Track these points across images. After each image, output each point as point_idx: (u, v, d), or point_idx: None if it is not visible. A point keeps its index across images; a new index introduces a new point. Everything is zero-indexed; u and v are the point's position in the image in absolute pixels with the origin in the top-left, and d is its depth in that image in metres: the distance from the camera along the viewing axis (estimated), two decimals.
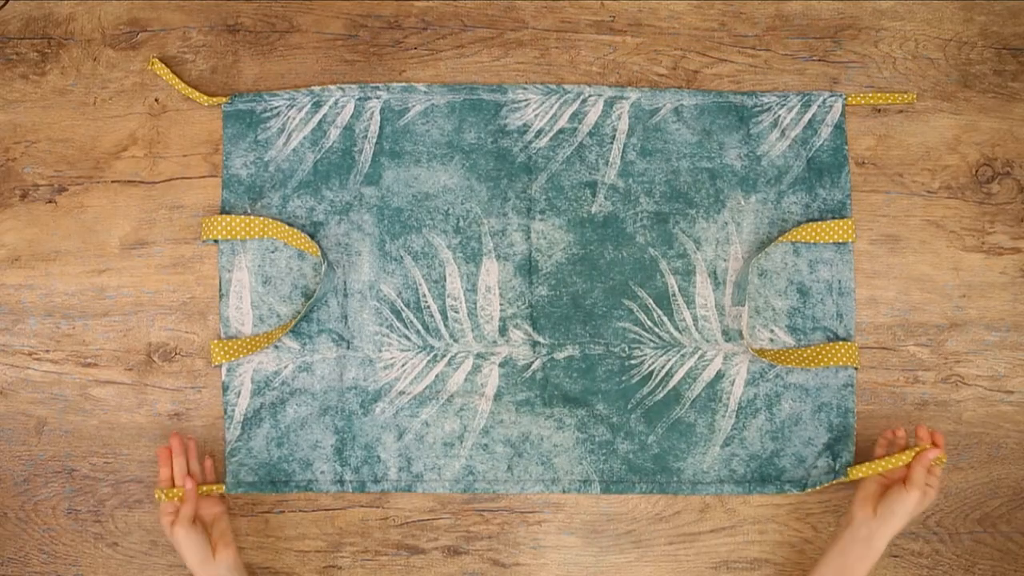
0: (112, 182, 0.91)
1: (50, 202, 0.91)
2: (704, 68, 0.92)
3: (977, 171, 0.91)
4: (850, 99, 0.90)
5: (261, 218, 0.88)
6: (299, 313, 0.88)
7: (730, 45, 0.92)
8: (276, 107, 0.90)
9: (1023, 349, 0.91)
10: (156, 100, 0.92)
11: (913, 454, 0.82)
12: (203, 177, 0.91)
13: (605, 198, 0.90)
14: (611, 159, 0.91)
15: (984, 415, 0.90)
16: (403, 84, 0.91)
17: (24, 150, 0.92)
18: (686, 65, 0.92)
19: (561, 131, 0.91)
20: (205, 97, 0.90)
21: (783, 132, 0.90)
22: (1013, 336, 0.90)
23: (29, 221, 0.91)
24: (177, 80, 0.90)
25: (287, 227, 0.88)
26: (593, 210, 0.90)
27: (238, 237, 0.88)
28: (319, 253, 0.87)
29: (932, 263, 0.91)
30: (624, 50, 0.92)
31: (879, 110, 0.92)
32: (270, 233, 0.88)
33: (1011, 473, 0.90)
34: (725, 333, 0.90)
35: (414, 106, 0.91)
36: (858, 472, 0.85)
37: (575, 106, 0.91)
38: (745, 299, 0.87)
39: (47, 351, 0.91)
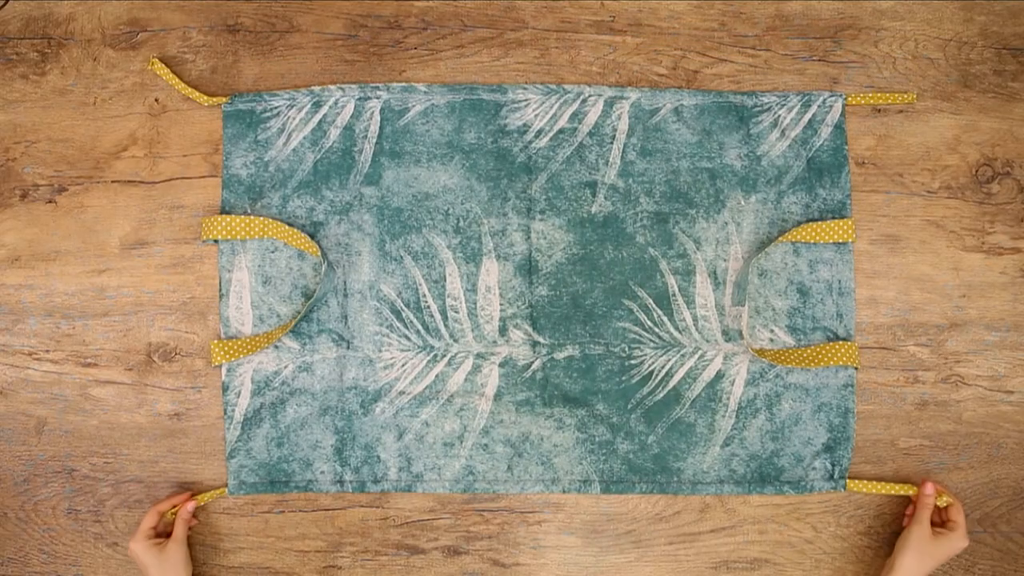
0: (112, 182, 0.91)
1: (50, 202, 0.91)
2: (704, 68, 0.92)
3: (977, 171, 0.91)
4: (850, 99, 0.90)
5: (261, 218, 0.88)
6: (299, 313, 0.88)
7: (730, 45, 0.92)
8: (276, 107, 0.90)
9: (1023, 349, 0.91)
10: (156, 100, 0.92)
11: (912, 488, 0.87)
12: (203, 177, 0.91)
13: (605, 198, 0.90)
14: (611, 159, 0.90)
15: (984, 415, 0.90)
16: (403, 84, 0.91)
17: (24, 150, 0.92)
18: (686, 65, 0.92)
19: (561, 131, 0.91)
20: (205, 97, 0.90)
21: (783, 132, 0.90)
22: (1013, 336, 0.90)
23: (29, 221, 0.91)
24: (177, 80, 0.90)
25: (287, 227, 0.88)
26: (593, 210, 0.90)
27: (238, 237, 0.88)
28: (319, 253, 0.87)
29: (932, 263, 0.91)
30: (624, 50, 0.92)
31: (879, 110, 0.92)
32: (270, 233, 0.88)
33: (1011, 473, 0.90)
34: (725, 333, 0.90)
35: (414, 106, 0.91)
36: (855, 486, 0.88)
37: (575, 106, 0.91)
38: (745, 299, 0.87)
39: (47, 351, 0.91)
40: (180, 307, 0.91)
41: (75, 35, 0.92)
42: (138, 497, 0.90)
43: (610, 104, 0.91)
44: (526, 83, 0.91)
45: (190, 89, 0.90)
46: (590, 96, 0.91)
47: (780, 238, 0.88)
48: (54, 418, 0.91)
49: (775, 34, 0.92)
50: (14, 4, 0.92)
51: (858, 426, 0.90)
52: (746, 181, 0.90)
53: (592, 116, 0.91)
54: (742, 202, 0.90)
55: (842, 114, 0.90)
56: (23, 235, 0.91)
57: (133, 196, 0.91)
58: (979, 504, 0.91)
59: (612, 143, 0.91)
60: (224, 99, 0.90)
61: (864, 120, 0.92)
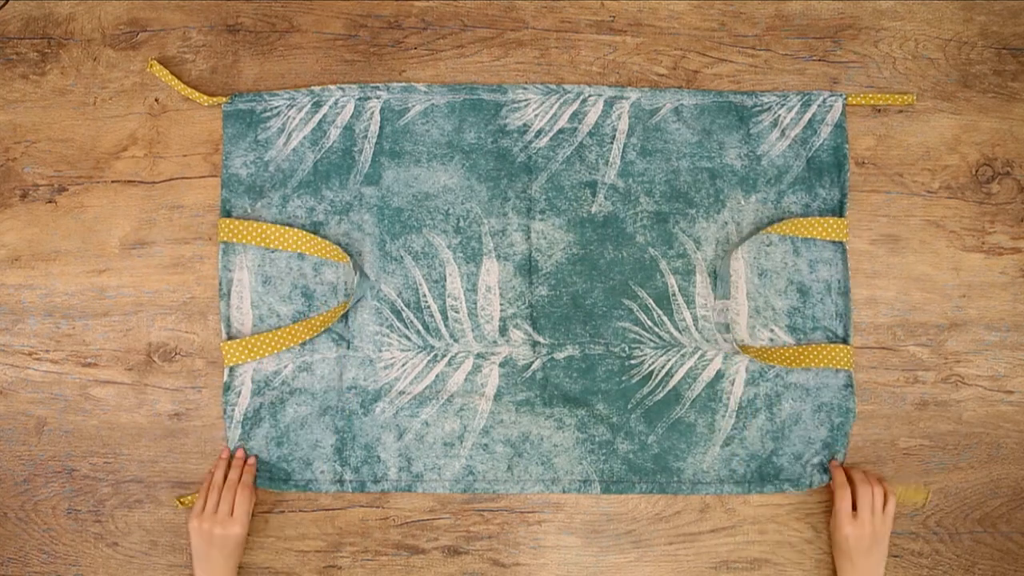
0: (112, 182, 0.91)
1: (50, 202, 0.91)
2: (704, 68, 0.92)
3: (977, 171, 0.91)
4: (850, 99, 0.90)
5: (284, 227, 0.88)
6: (323, 319, 0.87)
7: (730, 45, 0.92)
8: (276, 107, 0.90)
9: (1023, 349, 0.91)
10: (156, 100, 0.92)
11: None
12: (203, 177, 0.91)
13: (605, 198, 0.90)
14: (611, 159, 0.90)
15: (984, 415, 0.90)
16: (403, 84, 0.91)
17: (24, 150, 0.92)
18: (686, 65, 0.92)
19: (561, 131, 0.91)
20: (205, 97, 0.90)
21: (783, 132, 0.90)
22: (1013, 336, 0.90)
23: (29, 221, 0.91)
24: (176, 81, 0.90)
25: (310, 236, 0.87)
26: (593, 210, 0.90)
27: (255, 243, 0.88)
28: (349, 261, 0.87)
29: (932, 263, 0.91)
30: (624, 50, 0.92)
31: (879, 110, 0.92)
32: (290, 245, 0.88)
33: (1011, 473, 0.90)
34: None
35: (414, 106, 0.91)
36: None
37: (575, 106, 0.91)
38: (729, 293, 0.87)
39: (47, 351, 0.91)
40: (180, 307, 0.91)
41: (75, 35, 0.92)
42: (138, 497, 0.90)
43: (610, 104, 0.91)
44: (526, 83, 0.91)
45: (190, 89, 0.90)
46: (590, 96, 0.91)
47: (769, 228, 0.88)
48: (54, 418, 0.91)
49: (775, 34, 0.92)
50: (14, 4, 0.93)
51: (858, 426, 0.90)
52: (746, 181, 0.90)
53: (592, 116, 0.91)
54: (742, 202, 0.90)
55: (842, 114, 0.90)
56: (23, 235, 0.91)
57: (133, 196, 0.91)
58: (979, 504, 0.91)
59: (612, 143, 0.91)
60: (224, 99, 0.90)
61: (864, 120, 0.92)
